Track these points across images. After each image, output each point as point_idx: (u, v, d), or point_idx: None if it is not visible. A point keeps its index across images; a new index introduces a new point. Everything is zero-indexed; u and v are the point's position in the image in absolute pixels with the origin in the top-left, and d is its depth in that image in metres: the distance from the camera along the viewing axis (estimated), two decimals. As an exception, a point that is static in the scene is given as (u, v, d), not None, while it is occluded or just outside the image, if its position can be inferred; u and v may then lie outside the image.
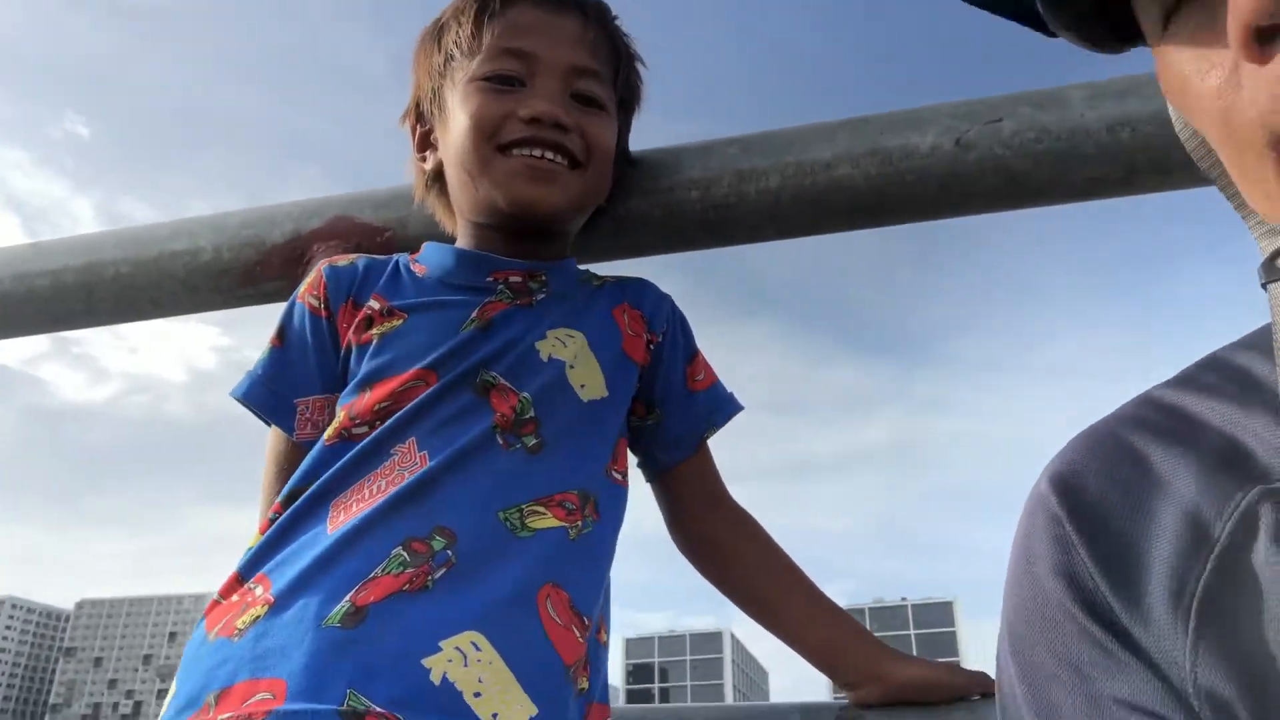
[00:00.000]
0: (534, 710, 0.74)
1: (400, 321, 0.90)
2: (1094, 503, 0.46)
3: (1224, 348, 0.50)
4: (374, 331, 0.89)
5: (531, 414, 0.86)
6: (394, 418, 0.84)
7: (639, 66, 1.01)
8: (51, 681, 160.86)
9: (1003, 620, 0.49)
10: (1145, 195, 1.00)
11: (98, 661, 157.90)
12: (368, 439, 0.83)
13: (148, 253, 1.20)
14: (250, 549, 0.83)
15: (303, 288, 0.96)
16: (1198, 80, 0.39)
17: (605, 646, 0.84)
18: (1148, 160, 0.96)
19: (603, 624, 0.85)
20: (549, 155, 0.90)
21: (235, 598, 0.79)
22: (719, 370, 1.00)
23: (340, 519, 0.80)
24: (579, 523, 0.84)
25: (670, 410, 0.96)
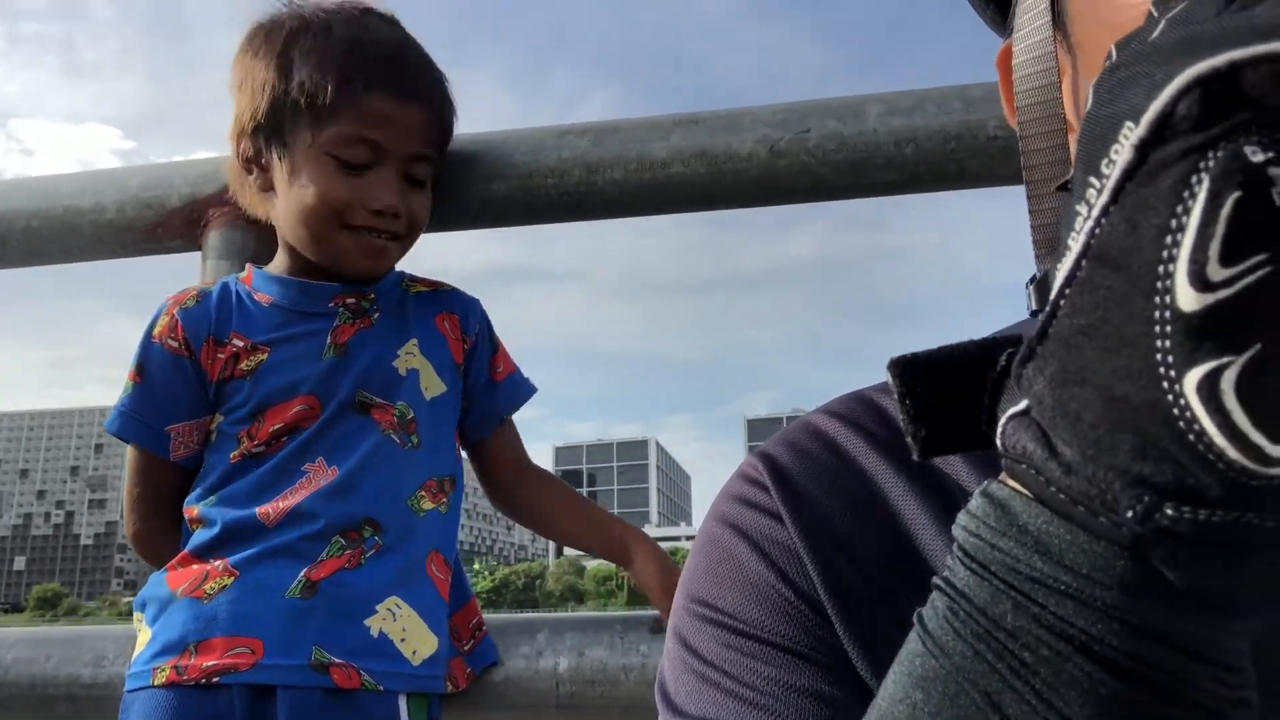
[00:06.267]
0: (436, 641, 1.02)
1: (265, 355, 1.06)
2: (797, 480, 0.46)
3: None
4: (243, 366, 1.05)
5: (411, 415, 1.07)
6: (295, 442, 1.03)
7: (453, 119, 1.15)
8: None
9: (689, 577, 0.48)
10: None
11: (24, 473, 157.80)
12: (275, 458, 1.03)
13: (54, 207, 1.31)
14: (193, 535, 1.03)
15: (158, 328, 1.08)
16: None
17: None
18: (928, 170, 1.14)
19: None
20: (383, 237, 1.07)
21: (195, 567, 1.00)
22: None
23: (272, 515, 1.01)
24: (445, 500, 1.08)
25: (476, 397, 1.16)
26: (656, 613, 1.11)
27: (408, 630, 1.00)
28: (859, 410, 0.49)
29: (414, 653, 0.99)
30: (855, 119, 1.14)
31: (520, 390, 1.19)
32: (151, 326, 1.09)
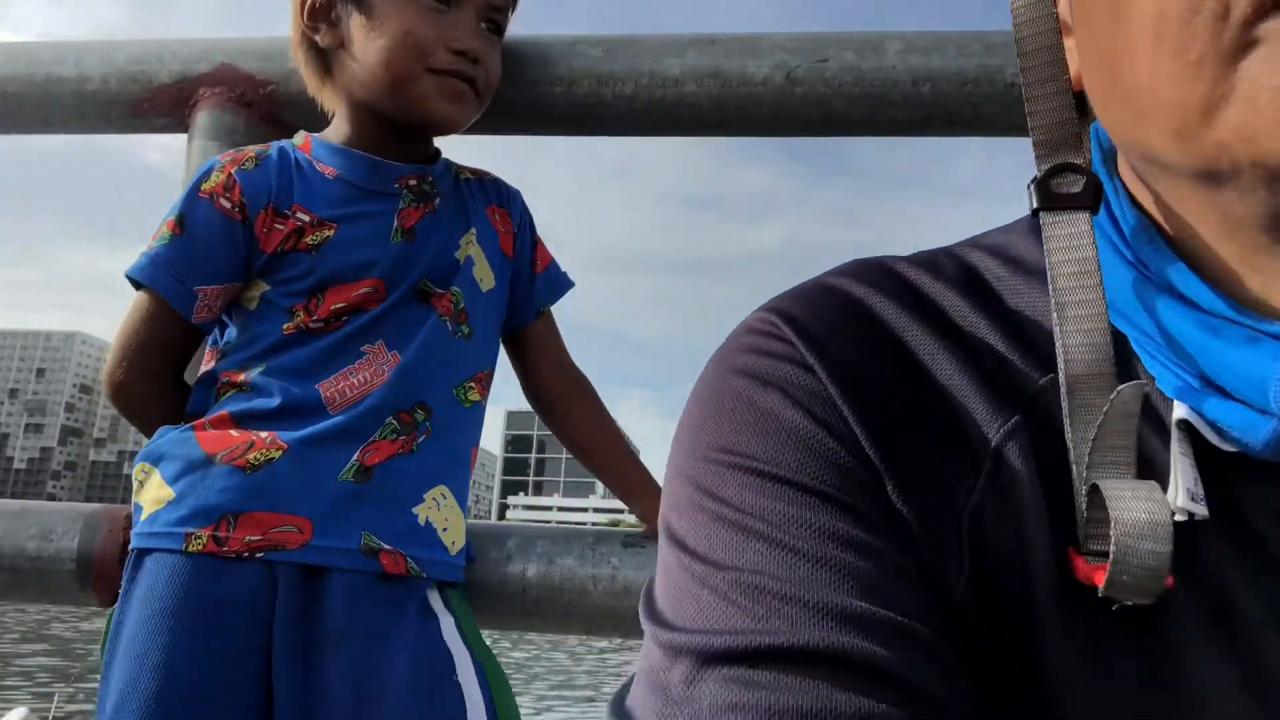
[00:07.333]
0: (465, 532, 1.03)
1: (332, 232, 1.02)
2: (819, 332, 0.41)
3: (960, 245, 0.46)
4: (309, 241, 1.01)
5: (463, 305, 1.06)
6: (358, 321, 1.01)
7: None
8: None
9: (699, 430, 0.41)
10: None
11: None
12: (335, 335, 1.00)
13: (35, 74, 1.25)
14: (233, 398, 1.00)
15: (209, 184, 1.02)
16: None
17: None
18: (943, 112, 1.12)
19: None
20: (464, 83, 1.03)
21: (235, 433, 0.96)
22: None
23: (338, 401, 0.99)
24: (488, 394, 1.09)
25: (519, 286, 1.14)
26: (629, 530, 1.10)
27: (449, 520, 1.01)
28: (875, 274, 0.45)
29: (453, 543, 1.00)
30: (874, 53, 1.12)
31: (560, 282, 1.17)
32: (200, 180, 1.03)
